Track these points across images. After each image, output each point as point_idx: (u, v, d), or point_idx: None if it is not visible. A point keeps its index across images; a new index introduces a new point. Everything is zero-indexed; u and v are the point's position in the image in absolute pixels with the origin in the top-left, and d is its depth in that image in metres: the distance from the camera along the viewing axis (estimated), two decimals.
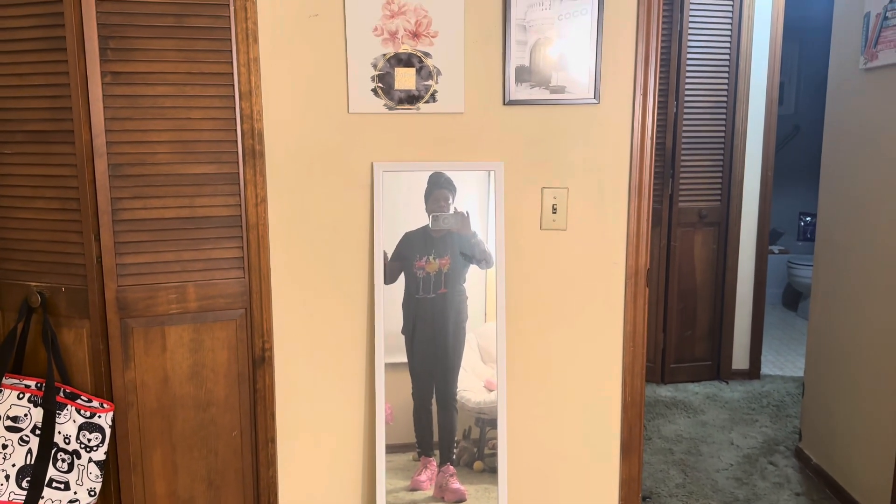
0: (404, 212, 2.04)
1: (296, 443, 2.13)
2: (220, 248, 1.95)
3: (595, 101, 2.01)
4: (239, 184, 1.94)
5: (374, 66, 1.97)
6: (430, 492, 2.06)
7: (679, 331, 4.17)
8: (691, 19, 3.85)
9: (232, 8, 1.86)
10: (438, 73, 1.99)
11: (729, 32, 3.92)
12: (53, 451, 1.86)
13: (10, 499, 1.84)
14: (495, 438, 2.08)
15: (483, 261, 2.06)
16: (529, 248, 2.09)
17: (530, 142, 2.04)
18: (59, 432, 1.86)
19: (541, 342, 2.13)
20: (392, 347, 2.06)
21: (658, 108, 3.95)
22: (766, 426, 3.55)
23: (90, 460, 1.88)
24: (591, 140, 2.04)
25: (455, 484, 2.07)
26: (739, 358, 4.26)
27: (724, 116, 4.00)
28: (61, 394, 1.88)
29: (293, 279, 2.06)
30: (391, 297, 2.05)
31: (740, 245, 4.17)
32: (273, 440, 2.09)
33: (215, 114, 1.89)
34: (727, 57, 3.94)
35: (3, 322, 1.98)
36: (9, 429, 1.85)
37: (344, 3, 1.94)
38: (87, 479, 1.88)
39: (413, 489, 2.06)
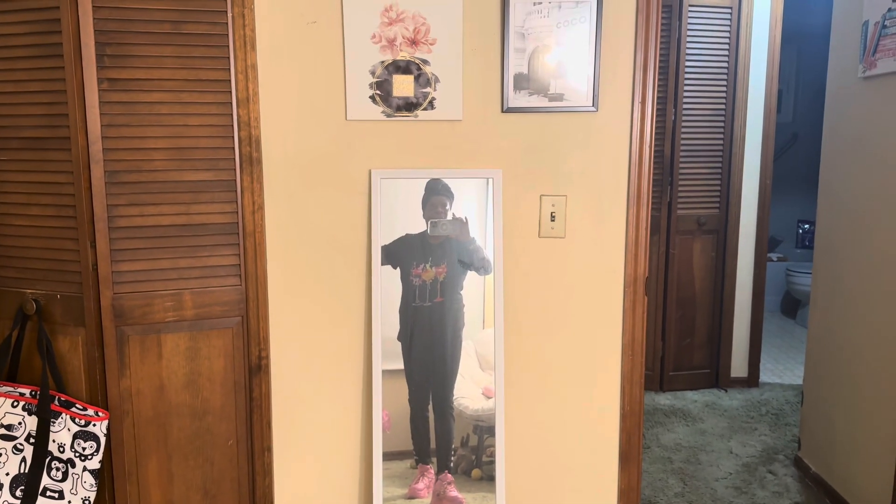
0: (402, 219, 2.03)
1: (292, 451, 2.12)
2: (217, 255, 1.94)
3: (593, 108, 2.00)
4: (236, 191, 1.94)
5: (373, 73, 1.97)
6: (427, 500, 2.05)
7: (678, 338, 4.16)
8: (689, 27, 3.86)
9: (230, 15, 1.86)
10: (437, 80, 1.98)
11: (727, 40, 3.93)
12: (48, 460, 1.85)
13: None
14: (493, 446, 2.07)
15: (481, 267, 2.05)
16: (528, 255, 2.08)
17: (529, 149, 2.03)
18: (54, 441, 1.85)
19: (539, 350, 2.12)
20: (388, 354, 2.05)
21: (656, 115, 3.97)
22: (765, 434, 3.53)
23: (85, 469, 1.87)
24: (590, 148, 2.03)
25: (453, 492, 2.05)
26: (738, 366, 4.25)
27: (722, 124, 4.01)
28: (56, 402, 1.86)
29: (290, 287, 2.05)
30: (387, 304, 2.04)
31: (739, 253, 4.17)
32: (269, 449, 2.07)
33: (212, 121, 1.89)
34: (725, 65, 3.95)
35: None
36: (3, 437, 1.83)
37: (342, 11, 1.94)
38: (81, 488, 1.86)
39: (411, 497, 2.05)
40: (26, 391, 1.87)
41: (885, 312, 2.50)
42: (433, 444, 2.06)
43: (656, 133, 3.95)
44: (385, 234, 2.03)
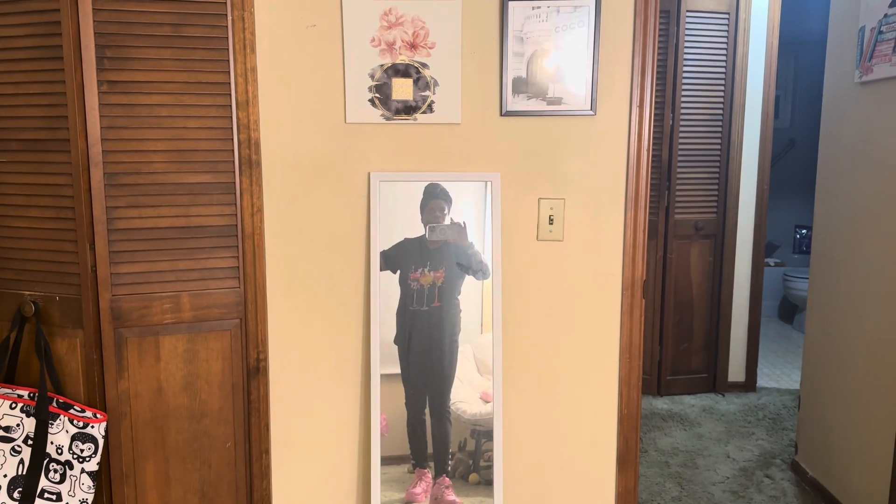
0: (401, 222, 2.03)
1: (290, 454, 2.11)
2: (216, 257, 1.94)
3: (591, 112, 2.01)
4: (235, 193, 1.94)
5: (372, 76, 1.98)
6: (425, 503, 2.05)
7: (675, 343, 4.16)
8: (687, 32, 3.88)
9: (229, 18, 1.87)
10: (436, 83, 1.99)
11: (725, 46, 3.94)
12: (45, 462, 1.85)
13: None
14: (491, 450, 2.07)
15: (479, 271, 2.05)
16: (526, 258, 2.09)
17: (527, 153, 2.04)
18: (52, 443, 1.85)
19: (537, 353, 2.13)
20: (385, 357, 2.05)
21: (654, 120, 3.98)
22: (763, 439, 3.54)
23: (83, 471, 1.86)
24: (588, 151, 2.04)
25: (451, 496, 2.05)
26: (735, 370, 4.26)
27: (719, 129, 4.02)
28: (54, 404, 1.86)
29: (289, 289, 2.05)
30: (385, 307, 2.04)
31: (736, 257, 4.17)
32: (267, 452, 2.07)
33: (212, 123, 1.89)
34: (723, 70, 3.96)
35: None
36: (1, 439, 1.83)
37: (342, 14, 1.95)
38: (79, 490, 1.86)
39: (408, 501, 2.05)
40: (24, 393, 1.87)
41: (882, 317, 2.51)
42: (430, 449, 2.06)
43: (654, 137, 3.96)
44: (384, 237, 2.03)
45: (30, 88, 1.82)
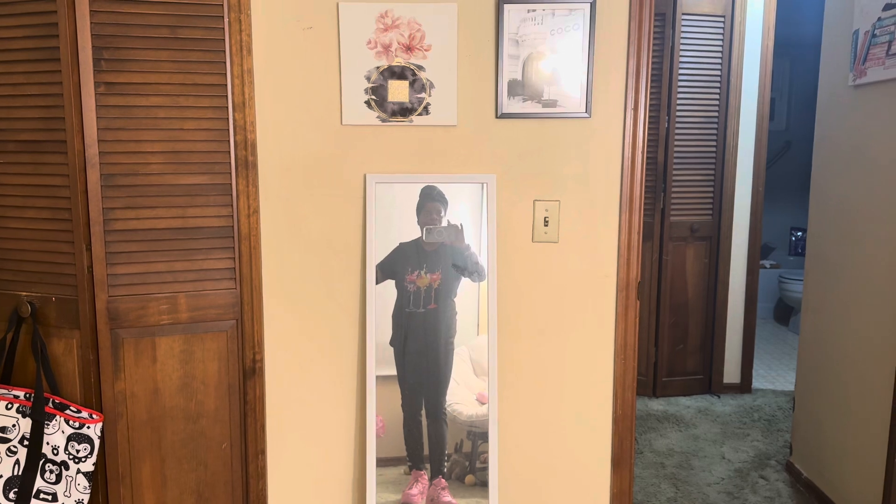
0: (397, 224, 2.04)
1: (286, 455, 2.12)
2: (212, 258, 1.95)
3: (587, 115, 2.02)
4: (231, 194, 1.95)
5: (368, 78, 1.98)
6: None
7: (671, 344, 4.17)
8: (683, 36, 3.89)
9: (226, 20, 1.87)
10: (431, 85, 2.00)
11: (720, 48, 3.96)
12: (41, 463, 1.85)
13: None
14: (487, 452, 2.07)
15: (475, 273, 2.06)
16: (521, 260, 2.10)
17: (522, 155, 2.05)
18: (48, 443, 1.85)
19: (532, 355, 2.13)
20: (382, 359, 2.05)
21: (650, 122, 4.00)
22: (758, 440, 3.55)
23: (78, 472, 1.87)
24: (583, 154, 2.05)
25: (446, 497, 2.06)
26: (731, 372, 4.27)
27: (715, 132, 4.04)
28: (50, 404, 1.87)
29: (285, 290, 2.06)
30: (381, 309, 2.05)
31: (731, 259, 4.19)
32: (263, 452, 2.08)
33: (209, 125, 1.90)
34: (718, 73, 3.98)
35: None
36: None
37: (338, 16, 1.96)
38: (75, 490, 1.86)
39: (404, 503, 2.05)
40: (20, 393, 1.87)
41: (876, 319, 2.53)
42: (427, 450, 2.07)
43: (649, 140, 3.98)
44: (380, 239, 2.04)
45: (27, 90, 1.83)
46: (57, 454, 1.85)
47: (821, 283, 2.95)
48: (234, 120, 1.92)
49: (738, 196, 4.14)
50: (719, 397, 4.19)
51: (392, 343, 2.06)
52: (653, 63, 3.91)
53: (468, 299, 2.07)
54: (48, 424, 1.85)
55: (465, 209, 2.05)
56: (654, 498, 2.95)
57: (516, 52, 1.99)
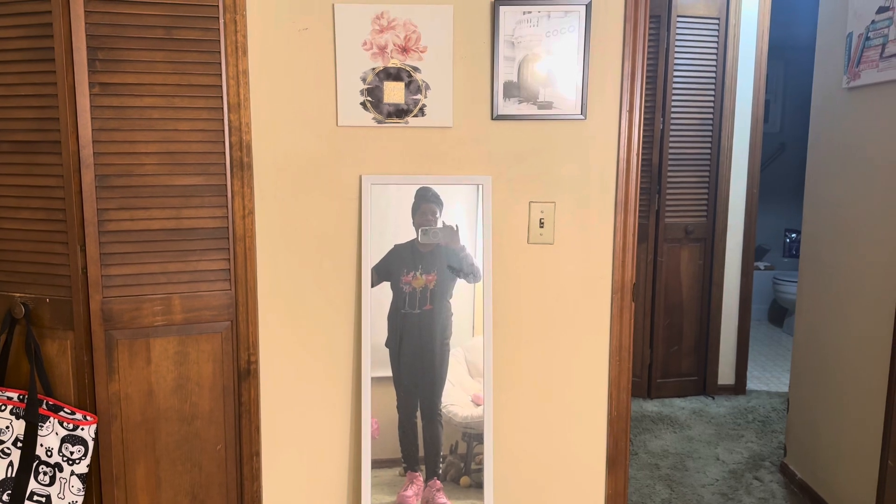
0: (393, 226, 2.04)
1: (281, 457, 2.12)
2: (207, 259, 1.95)
3: (582, 117, 2.02)
4: (226, 195, 1.94)
5: (364, 79, 1.98)
6: None
7: (666, 346, 4.18)
8: (678, 38, 3.90)
9: (222, 21, 1.87)
10: (427, 87, 2.00)
11: (715, 51, 3.97)
12: (35, 464, 1.84)
13: None
14: (482, 453, 2.07)
15: (470, 274, 2.06)
16: (516, 262, 2.10)
17: (518, 156, 2.05)
18: (41, 445, 1.84)
19: (527, 356, 2.14)
20: (378, 360, 2.05)
21: (645, 124, 4.01)
22: (752, 441, 3.56)
23: (72, 473, 1.86)
24: (578, 155, 2.06)
25: (442, 499, 2.06)
26: (725, 373, 4.28)
27: (710, 133, 4.05)
28: (44, 406, 1.86)
29: (280, 292, 2.05)
30: (377, 310, 2.05)
31: (726, 261, 4.20)
32: (258, 454, 2.07)
33: (203, 125, 1.90)
34: (713, 75, 3.99)
35: None
36: None
37: (334, 18, 1.96)
38: (68, 492, 1.86)
39: None
40: (14, 395, 1.86)
41: (870, 320, 2.53)
42: (422, 452, 2.06)
43: (644, 142, 3.98)
44: (375, 241, 2.04)
45: (21, 90, 1.82)
46: (51, 456, 1.85)
47: (815, 284, 2.96)
48: (230, 121, 1.91)
49: (733, 198, 4.15)
50: (714, 398, 4.20)
51: (388, 344, 2.06)
52: (648, 65, 3.92)
53: (464, 300, 2.07)
54: (42, 426, 1.84)
55: (460, 211, 2.05)
56: (648, 499, 2.95)
57: (512, 54, 1.99)
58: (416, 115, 2.01)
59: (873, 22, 2.50)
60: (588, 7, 1.96)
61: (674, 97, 3.95)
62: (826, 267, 2.86)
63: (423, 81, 1.99)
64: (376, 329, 2.05)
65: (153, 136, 1.86)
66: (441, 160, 2.05)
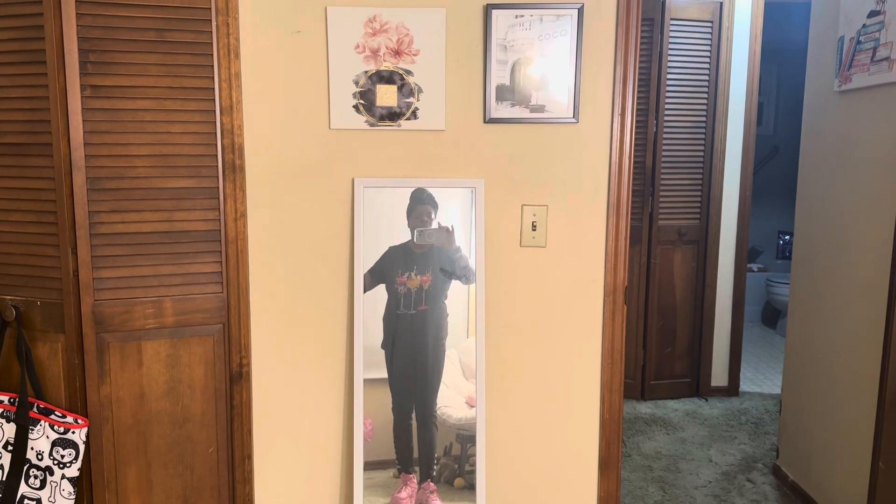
0: (386, 229, 2.04)
1: (273, 460, 2.11)
2: (199, 262, 1.94)
3: (574, 120, 2.03)
4: (219, 198, 1.94)
5: (356, 82, 1.98)
6: None
7: (659, 348, 4.19)
8: (671, 40, 3.91)
9: (214, 24, 1.87)
10: (420, 90, 2.00)
11: (708, 54, 3.99)
12: (26, 468, 1.83)
13: None
14: (476, 455, 2.07)
15: (464, 276, 2.06)
16: (509, 264, 2.10)
17: (510, 159, 2.06)
18: (32, 448, 1.84)
19: (520, 358, 2.14)
20: (373, 362, 2.05)
21: (638, 127, 4.02)
22: (745, 443, 3.57)
23: (63, 477, 1.85)
24: (571, 158, 2.06)
25: (435, 501, 2.06)
26: (718, 375, 4.29)
27: (703, 136, 4.06)
28: (35, 409, 1.85)
29: (272, 294, 2.05)
30: (371, 312, 2.05)
31: (719, 263, 4.21)
32: (250, 457, 2.07)
33: (196, 128, 1.89)
34: (706, 77, 4.00)
35: None
36: None
37: (326, 21, 1.96)
38: (59, 496, 1.85)
39: None
40: (5, 398, 1.86)
41: (862, 322, 2.54)
42: (416, 453, 2.07)
43: (638, 144, 3.99)
44: (368, 243, 2.04)
45: (12, 92, 1.81)
46: (41, 459, 1.84)
47: (807, 286, 2.97)
48: (222, 123, 1.91)
49: (726, 200, 4.17)
50: (707, 400, 4.21)
51: (383, 346, 2.06)
52: (641, 67, 3.93)
53: (459, 301, 2.07)
54: (32, 429, 1.83)
55: (455, 212, 2.05)
56: (641, 501, 2.96)
57: (504, 58, 1.99)
58: (408, 118, 2.01)
59: (864, 26, 2.52)
60: (580, 11, 1.97)
61: (667, 100, 3.96)
62: (818, 269, 2.87)
63: (416, 84, 2.00)
64: (372, 331, 2.05)
65: (145, 138, 1.86)
66: (434, 163, 2.05)
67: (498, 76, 2.00)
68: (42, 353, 1.91)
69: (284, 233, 2.03)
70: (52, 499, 1.85)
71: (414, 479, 2.06)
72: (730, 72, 4.02)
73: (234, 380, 2.02)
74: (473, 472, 2.07)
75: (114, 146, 1.84)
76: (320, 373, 2.10)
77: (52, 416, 1.86)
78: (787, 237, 6.34)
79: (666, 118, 3.97)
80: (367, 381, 2.05)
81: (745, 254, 4.23)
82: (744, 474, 3.22)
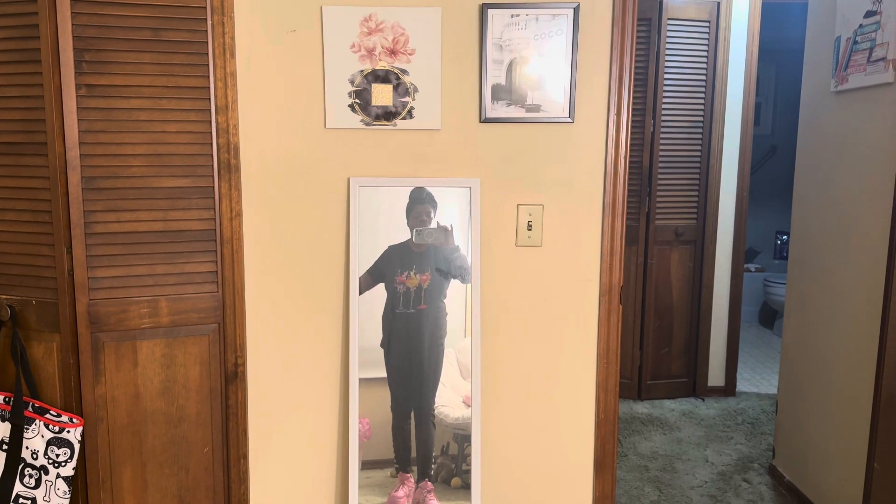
0: (383, 228, 2.04)
1: (269, 459, 2.11)
2: (194, 262, 1.94)
3: (570, 119, 2.03)
4: (214, 198, 1.94)
5: (352, 82, 1.98)
6: None
7: (656, 347, 4.19)
8: (668, 40, 3.91)
9: (209, 23, 1.87)
10: (415, 90, 2.00)
11: (705, 54, 3.99)
12: (20, 467, 1.83)
13: None
14: (472, 454, 2.07)
15: (459, 276, 2.06)
16: (505, 264, 2.10)
17: (506, 159, 2.06)
18: (27, 447, 1.83)
19: (515, 358, 2.14)
20: (372, 362, 2.05)
21: (635, 126, 4.02)
22: (741, 443, 3.57)
23: (58, 476, 1.85)
24: (566, 158, 2.06)
25: (432, 500, 2.06)
26: (715, 375, 4.29)
27: (700, 136, 4.06)
28: (30, 408, 1.85)
29: (267, 294, 2.05)
30: (370, 311, 2.05)
31: (716, 263, 4.21)
32: (245, 457, 2.07)
33: (191, 127, 1.89)
34: (703, 77, 4.00)
35: None
36: None
37: (322, 20, 1.95)
38: (54, 495, 1.85)
39: None
40: None
41: (858, 323, 2.55)
42: (414, 453, 2.06)
43: (635, 144, 3.99)
44: (365, 243, 2.04)
45: (7, 91, 1.81)
46: (36, 459, 1.84)
47: (803, 286, 2.97)
48: (217, 123, 1.91)
49: (723, 200, 4.17)
50: (703, 400, 4.21)
51: (382, 345, 2.05)
52: (639, 67, 3.93)
53: (456, 302, 2.07)
54: (27, 429, 1.83)
55: (453, 212, 2.05)
56: (637, 501, 2.96)
57: (500, 57, 1.99)
58: (404, 118, 2.01)
59: (861, 26, 2.52)
60: (576, 10, 1.97)
61: (664, 99, 3.96)
62: (815, 269, 2.88)
63: (412, 84, 2.00)
64: (371, 330, 2.05)
65: (140, 137, 1.86)
66: (429, 163, 2.05)
67: (494, 76, 2.00)
68: (37, 353, 1.91)
69: (280, 232, 2.03)
70: (47, 498, 1.84)
71: (411, 478, 2.06)
72: (727, 72, 4.02)
73: (229, 379, 2.02)
74: (470, 471, 2.07)
75: (109, 145, 1.84)
76: (316, 372, 2.10)
77: (47, 416, 1.86)
78: (784, 237, 6.35)
79: (663, 118, 3.97)
80: (366, 381, 2.05)
81: (742, 254, 4.23)
82: (740, 474, 3.22)
